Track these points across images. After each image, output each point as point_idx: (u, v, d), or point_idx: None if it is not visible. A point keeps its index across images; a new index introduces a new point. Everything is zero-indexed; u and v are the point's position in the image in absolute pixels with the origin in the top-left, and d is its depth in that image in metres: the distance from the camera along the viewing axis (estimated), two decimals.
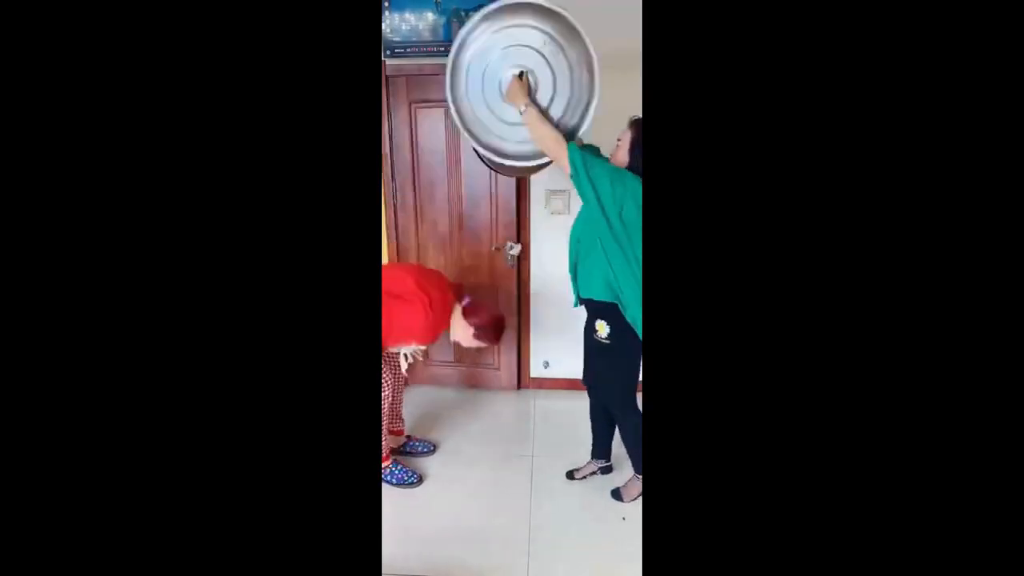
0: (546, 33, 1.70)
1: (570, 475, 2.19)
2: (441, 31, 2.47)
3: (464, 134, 1.79)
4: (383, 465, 2.13)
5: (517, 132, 1.77)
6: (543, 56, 1.72)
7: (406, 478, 2.14)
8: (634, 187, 1.65)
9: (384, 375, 2.03)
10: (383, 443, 2.12)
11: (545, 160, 1.78)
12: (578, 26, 1.65)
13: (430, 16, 2.46)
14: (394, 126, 2.60)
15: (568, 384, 2.86)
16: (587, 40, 1.66)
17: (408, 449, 2.33)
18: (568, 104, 1.74)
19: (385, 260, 2.77)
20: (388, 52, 2.50)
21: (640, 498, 2.01)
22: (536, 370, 2.91)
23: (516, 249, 2.63)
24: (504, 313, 2.20)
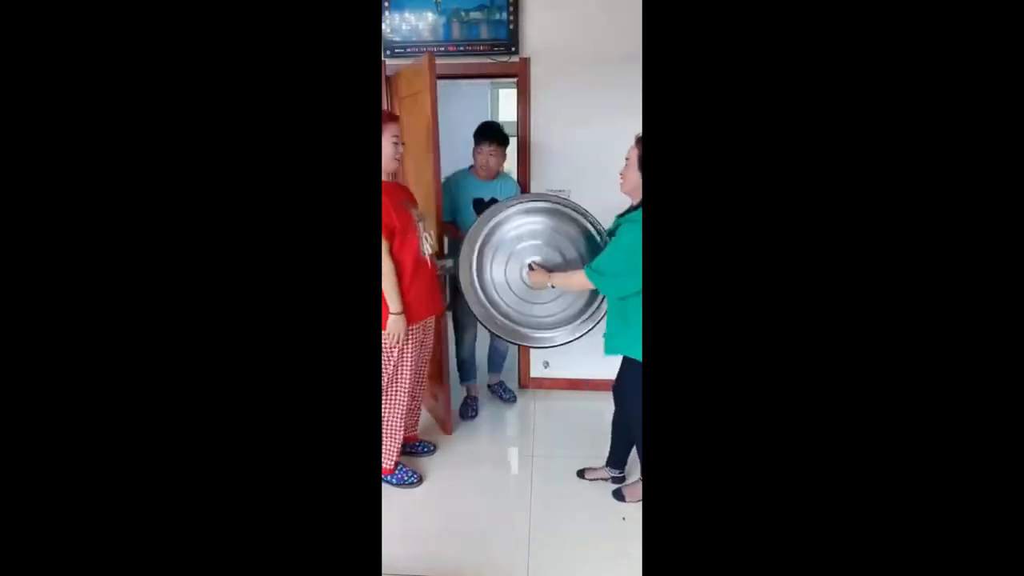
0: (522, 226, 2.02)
1: (581, 474, 2.18)
2: (441, 31, 2.47)
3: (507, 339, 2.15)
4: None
5: (543, 309, 2.09)
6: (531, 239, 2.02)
7: (406, 478, 2.14)
8: None
9: (405, 374, 2.04)
10: (397, 446, 2.12)
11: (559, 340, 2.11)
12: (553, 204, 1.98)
13: (430, 16, 2.46)
14: None
15: (568, 384, 2.86)
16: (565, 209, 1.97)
17: (408, 449, 2.33)
18: (576, 240, 2.00)
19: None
20: (388, 52, 2.50)
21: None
22: (536, 370, 2.91)
23: (448, 263, 2.17)
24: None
